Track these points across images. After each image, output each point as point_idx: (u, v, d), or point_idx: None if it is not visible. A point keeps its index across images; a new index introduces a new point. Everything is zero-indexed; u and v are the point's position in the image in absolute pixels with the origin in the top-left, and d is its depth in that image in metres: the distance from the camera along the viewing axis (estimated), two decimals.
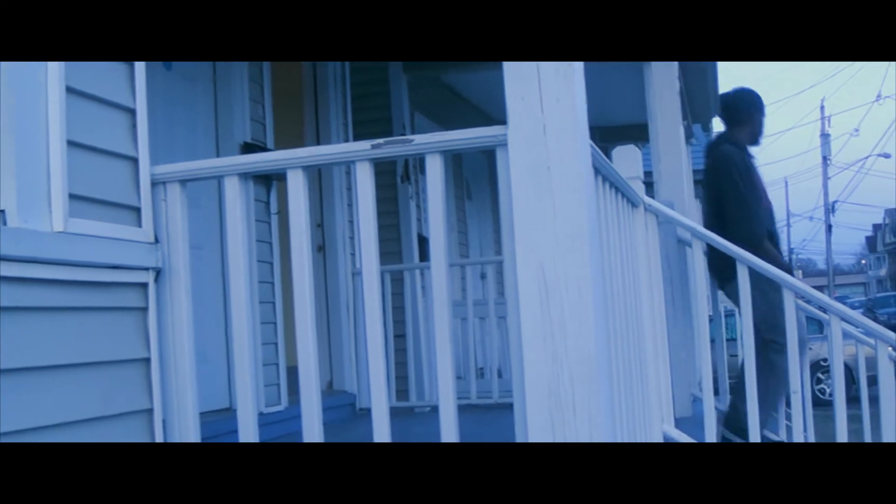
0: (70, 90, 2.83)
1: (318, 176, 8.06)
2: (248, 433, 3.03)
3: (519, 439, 2.67)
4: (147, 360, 3.10)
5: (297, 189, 3.02)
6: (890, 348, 4.77)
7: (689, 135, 11.71)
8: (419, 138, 2.93)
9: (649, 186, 6.04)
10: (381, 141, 2.94)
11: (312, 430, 2.96)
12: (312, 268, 3.07)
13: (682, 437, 4.62)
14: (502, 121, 2.72)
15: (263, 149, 6.73)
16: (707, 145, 6.74)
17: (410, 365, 8.20)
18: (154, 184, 3.16)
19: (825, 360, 7.40)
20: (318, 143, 8.06)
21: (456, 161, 11.46)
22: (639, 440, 3.89)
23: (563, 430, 2.60)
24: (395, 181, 9.10)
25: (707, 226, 5.85)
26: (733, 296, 5.66)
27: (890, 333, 4.74)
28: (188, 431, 3.14)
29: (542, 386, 2.61)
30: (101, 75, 3.00)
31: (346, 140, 8.20)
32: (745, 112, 6.54)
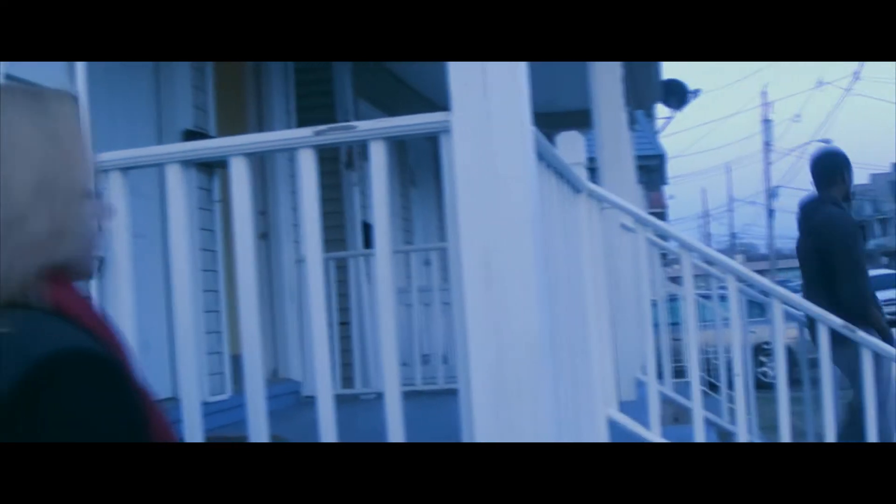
0: (10, 79, 2.80)
1: (261, 163, 8.03)
2: (193, 422, 3.01)
3: (464, 424, 2.68)
4: None
5: (240, 176, 3.00)
6: (831, 331, 4.82)
7: (632, 121, 11.74)
8: (362, 125, 2.92)
9: (593, 172, 6.08)
10: (324, 127, 2.93)
11: (257, 419, 2.94)
12: (256, 255, 3.05)
13: (626, 421, 4.64)
14: (447, 107, 2.72)
15: (206, 136, 6.69)
16: (804, 205, 6.83)
17: (356, 352, 8.20)
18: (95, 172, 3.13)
19: (767, 343, 7.47)
20: (261, 129, 8.03)
21: (400, 148, 11.43)
22: (582, 424, 3.90)
23: (507, 415, 2.61)
24: (339, 168, 9.06)
25: (809, 283, 6.44)
26: (841, 363, 5.90)
27: (830, 316, 4.79)
28: None
29: (486, 371, 2.62)
30: (42, 67, 2.97)
31: (290, 127, 8.16)
32: (836, 173, 6.65)
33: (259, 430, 2.93)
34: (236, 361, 3.51)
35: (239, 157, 3.01)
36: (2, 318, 1.41)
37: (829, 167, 6.71)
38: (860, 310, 6.09)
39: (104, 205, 1.68)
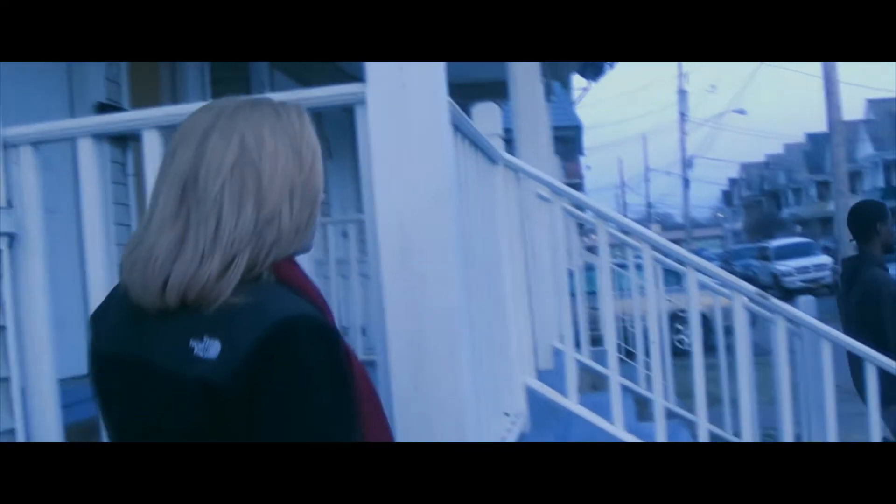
0: None
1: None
2: None
3: (382, 395, 2.69)
4: (2, 328, 3.04)
5: (153, 149, 2.98)
6: (745, 298, 4.89)
7: (548, 91, 11.79)
8: (277, 97, 2.90)
9: (509, 143, 6.09)
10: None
11: None
12: None
13: (544, 389, 4.69)
14: (363, 78, 2.72)
15: (119, 109, 6.61)
16: (849, 263, 6.74)
17: None
18: (5, 147, 3.09)
19: (683, 311, 7.57)
20: (175, 102, 7.94)
21: (316, 119, 11.30)
22: (501, 393, 3.93)
23: (425, 385, 2.62)
24: None
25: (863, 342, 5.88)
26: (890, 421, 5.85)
27: (745, 284, 4.86)
28: (47, 399, 3.09)
29: (405, 342, 2.63)
30: None
31: (205, 99, 8.06)
32: (874, 226, 6.51)
33: None
34: None
35: (152, 130, 2.99)
36: (242, 290, 1.74)
37: (865, 221, 6.59)
38: None
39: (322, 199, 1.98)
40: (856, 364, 5.69)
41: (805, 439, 5.55)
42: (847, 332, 6.04)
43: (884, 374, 5.42)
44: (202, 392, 1.69)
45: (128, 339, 1.82)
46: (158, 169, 1.88)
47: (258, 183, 1.81)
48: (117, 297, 1.89)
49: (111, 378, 1.89)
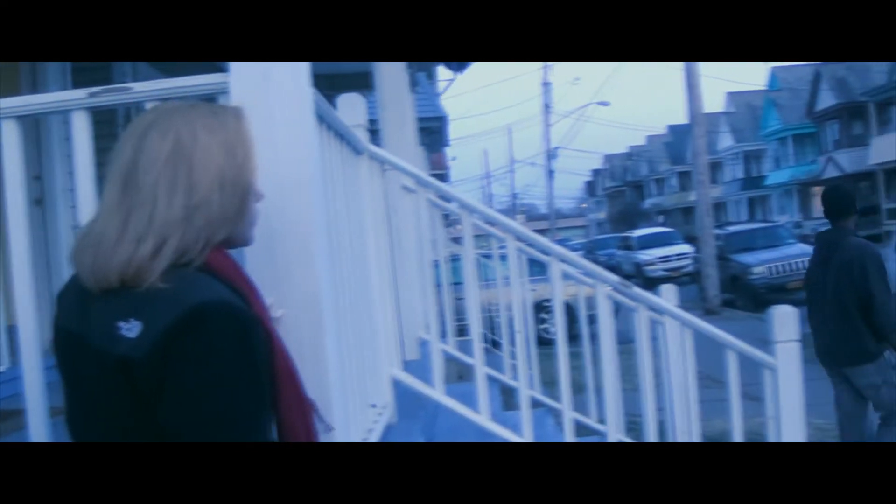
0: None
1: (35, 126, 7.77)
2: None
3: None
4: None
5: (11, 140, 2.91)
6: (608, 288, 4.96)
7: (413, 83, 11.79)
8: (139, 86, 2.87)
9: (374, 134, 6.09)
10: (98, 89, 2.86)
11: (34, 392, 2.87)
12: (30, 222, 2.97)
13: (410, 380, 4.70)
14: (227, 68, 2.70)
15: None
16: (826, 236, 7.72)
17: None
18: None
19: (548, 300, 7.64)
20: (35, 91, 7.76)
21: None
22: (367, 385, 3.94)
23: None
24: (117, 131, 8.84)
25: (843, 305, 7.24)
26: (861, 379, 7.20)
27: (607, 274, 4.93)
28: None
29: None
30: None
31: (66, 88, 7.92)
32: (849, 205, 7.51)
33: (36, 403, 2.86)
34: (13, 332, 3.41)
35: (10, 120, 2.92)
36: (170, 276, 1.91)
37: (844, 200, 7.54)
38: (891, 329, 7.18)
39: (259, 195, 2.19)
40: (822, 333, 7.36)
41: (668, 425, 5.66)
42: (823, 296, 7.44)
43: (853, 334, 7.18)
44: (122, 369, 1.86)
45: (76, 317, 1.99)
46: (109, 165, 2.07)
47: (189, 174, 2.00)
48: (75, 278, 2.04)
49: (62, 352, 2.05)
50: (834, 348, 7.43)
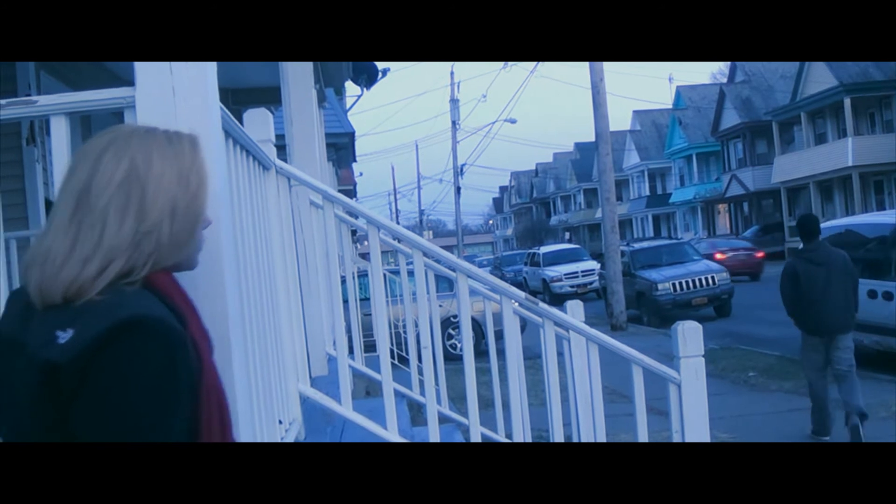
0: None
1: None
2: None
3: None
4: None
5: None
6: (515, 303, 4.99)
7: (321, 98, 11.79)
8: (44, 99, 2.83)
9: (282, 150, 6.07)
10: (3, 102, 2.83)
11: None
12: None
13: (318, 396, 4.69)
14: (133, 82, 2.67)
15: None
16: (821, 246, 10.87)
17: None
18: None
19: (455, 316, 7.67)
20: None
21: (85, 123, 11.07)
22: (274, 400, 3.92)
23: None
24: (21, 143, 8.71)
25: (846, 291, 10.59)
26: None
27: (515, 290, 4.96)
28: None
29: None
30: None
31: None
32: (819, 229, 10.87)
33: None
34: None
35: None
36: (110, 291, 1.93)
37: (815, 226, 10.84)
38: (852, 322, 10.73)
39: (207, 221, 2.21)
40: (827, 311, 10.47)
41: (575, 439, 5.70)
42: (827, 286, 10.45)
43: (852, 310, 10.65)
44: (49, 371, 1.87)
45: (19, 325, 2.00)
46: (61, 182, 2.10)
47: (142, 199, 2.02)
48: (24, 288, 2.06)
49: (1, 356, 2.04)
50: (840, 319, 10.47)
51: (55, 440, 1.90)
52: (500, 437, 6.77)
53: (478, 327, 15.37)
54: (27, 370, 1.91)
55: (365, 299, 7.25)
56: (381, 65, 17.65)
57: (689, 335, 4.89)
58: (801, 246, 11.00)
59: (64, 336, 1.88)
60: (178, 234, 2.08)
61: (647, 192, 79.89)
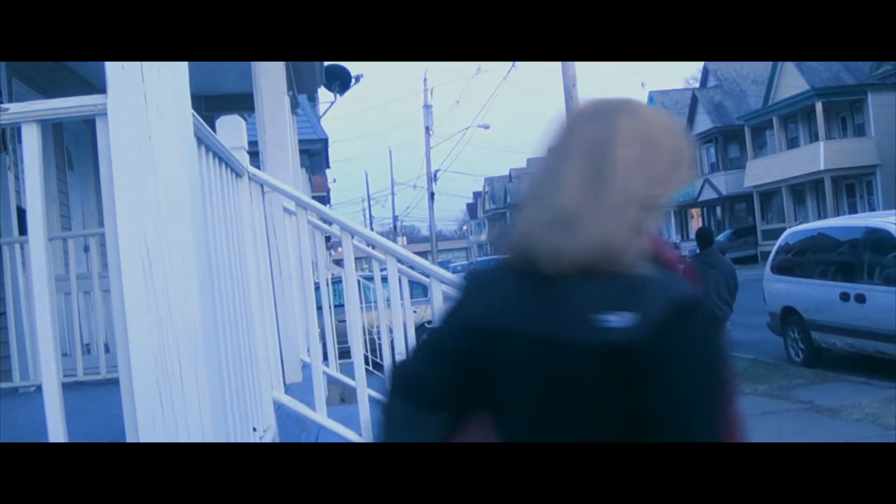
0: None
1: None
2: None
3: (126, 413, 2.64)
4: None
5: None
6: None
7: (294, 105, 11.79)
8: (14, 107, 2.83)
9: (255, 157, 6.07)
10: None
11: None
12: None
13: (292, 403, 4.68)
14: (105, 90, 2.67)
15: None
16: (715, 252, 13.74)
17: (12, 343, 7.88)
18: None
19: (430, 322, 7.70)
20: None
21: (57, 130, 11.03)
22: (248, 407, 3.91)
23: (171, 402, 2.59)
24: None
25: (725, 290, 12.73)
26: None
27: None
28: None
29: (149, 356, 2.58)
30: None
31: None
32: (713, 240, 14.11)
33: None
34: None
35: None
36: (642, 265, 1.90)
37: (710, 237, 13.94)
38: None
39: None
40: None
41: None
42: (716, 285, 12.44)
43: (728, 301, 12.70)
44: (614, 357, 1.85)
45: (518, 314, 1.98)
46: (549, 145, 2.11)
47: (653, 162, 1.99)
48: (496, 275, 2.09)
49: (494, 353, 2.02)
50: (724, 313, 12.29)
51: (620, 423, 1.89)
52: None
53: None
54: (571, 360, 1.90)
55: (339, 305, 7.25)
56: (353, 71, 17.68)
57: None
58: (697, 251, 13.50)
59: (616, 318, 1.86)
60: (654, 201, 2.03)
61: None
